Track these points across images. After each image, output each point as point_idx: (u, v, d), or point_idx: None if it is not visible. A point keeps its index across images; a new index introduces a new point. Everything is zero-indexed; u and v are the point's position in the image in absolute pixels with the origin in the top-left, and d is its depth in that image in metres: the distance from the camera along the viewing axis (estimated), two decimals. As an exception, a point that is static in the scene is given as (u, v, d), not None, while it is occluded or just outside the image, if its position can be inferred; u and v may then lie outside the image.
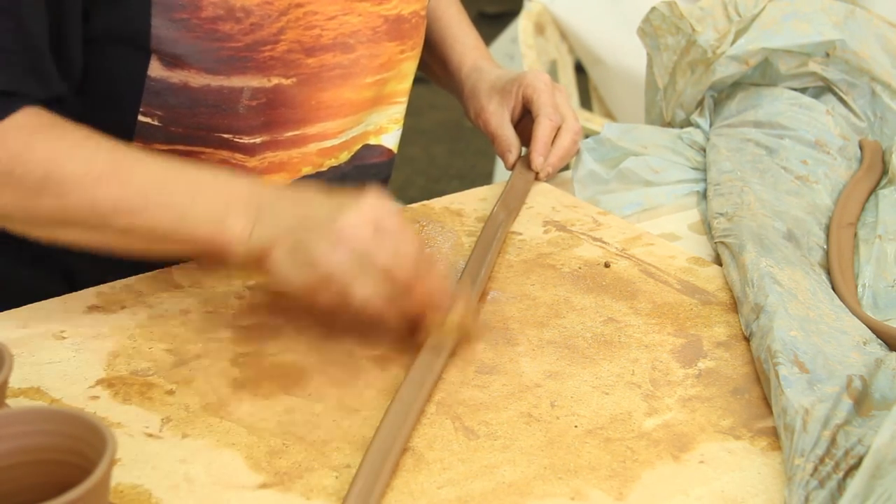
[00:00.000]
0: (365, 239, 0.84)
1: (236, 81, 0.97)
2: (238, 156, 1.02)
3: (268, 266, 0.86)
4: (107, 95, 0.97)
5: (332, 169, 1.10)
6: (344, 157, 1.11)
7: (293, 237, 0.86)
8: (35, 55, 0.90)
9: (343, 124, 1.08)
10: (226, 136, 1.00)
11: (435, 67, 1.34)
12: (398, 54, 1.11)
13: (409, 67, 1.14)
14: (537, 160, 1.19)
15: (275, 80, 1.00)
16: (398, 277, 0.84)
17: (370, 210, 0.86)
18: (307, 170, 1.08)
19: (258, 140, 1.02)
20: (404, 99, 1.16)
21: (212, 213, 0.88)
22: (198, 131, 0.99)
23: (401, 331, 0.88)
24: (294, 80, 1.01)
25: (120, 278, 0.99)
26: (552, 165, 1.20)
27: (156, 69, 0.95)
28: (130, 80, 0.96)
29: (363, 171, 1.14)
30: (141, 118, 0.97)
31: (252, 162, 1.03)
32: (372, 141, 1.14)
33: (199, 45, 0.94)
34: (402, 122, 1.18)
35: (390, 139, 1.17)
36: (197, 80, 0.96)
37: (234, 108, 0.99)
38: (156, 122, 0.98)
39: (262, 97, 1.00)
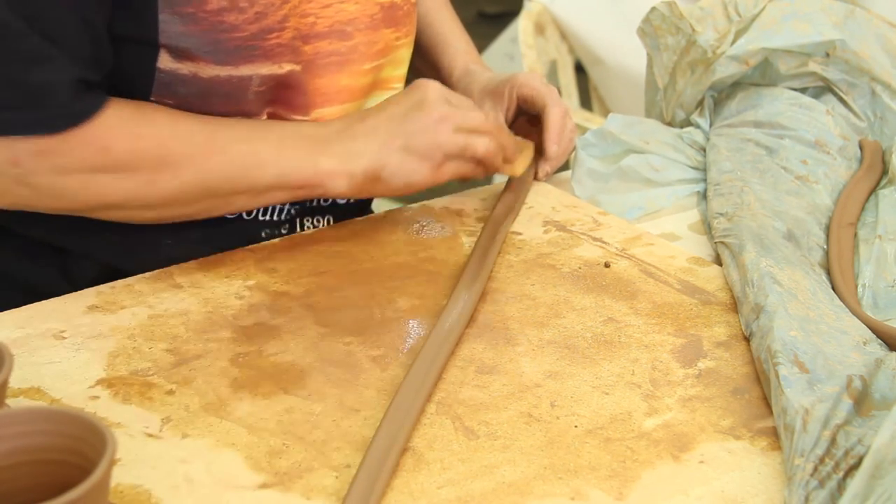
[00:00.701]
0: (450, 111, 1.01)
1: (245, 70, 0.99)
2: None
3: (385, 181, 1.00)
4: (118, 86, 0.97)
5: None
6: None
7: (394, 144, 1.00)
8: (98, 46, 0.93)
9: (341, 111, 1.09)
10: None
11: (426, 72, 1.34)
12: (394, 41, 1.12)
13: (405, 54, 1.15)
14: (552, 148, 1.19)
15: (287, 67, 1.02)
16: (486, 129, 1.03)
17: (432, 91, 1.02)
18: None
19: None
20: (400, 85, 1.17)
21: (303, 160, 0.99)
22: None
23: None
24: (297, 67, 1.03)
25: (115, 273, 0.99)
26: (551, 165, 1.19)
27: (165, 61, 0.96)
28: (140, 72, 0.97)
29: None
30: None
31: None
32: None
33: (207, 37, 0.95)
34: None
35: None
36: (206, 70, 0.97)
37: (244, 96, 1.01)
38: None
39: (271, 83, 1.02)
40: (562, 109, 1.20)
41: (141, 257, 1.02)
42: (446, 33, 1.32)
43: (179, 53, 0.96)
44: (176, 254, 1.02)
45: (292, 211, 1.10)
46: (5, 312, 0.92)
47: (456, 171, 1.03)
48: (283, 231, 1.11)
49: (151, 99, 0.98)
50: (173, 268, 1.00)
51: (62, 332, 0.89)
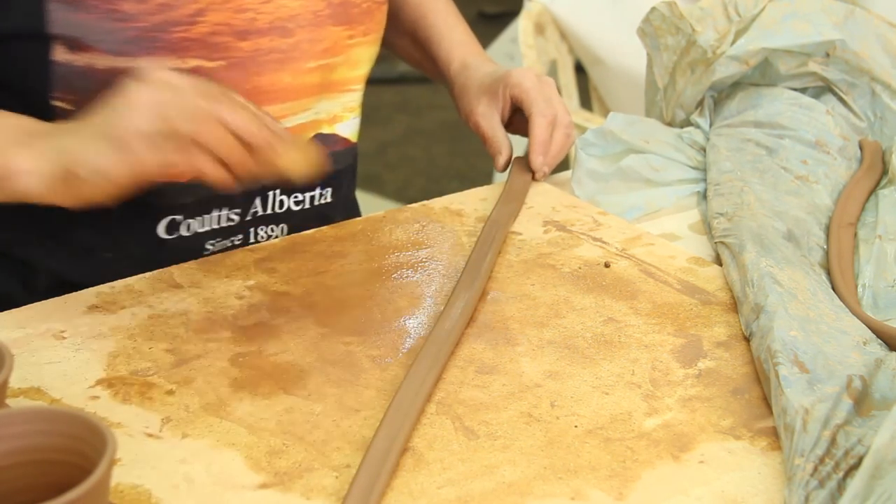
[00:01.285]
0: (165, 96, 0.82)
1: (143, 63, 0.95)
2: None
3: (83, 179, 0.82)
4: (14, 82, 0.95)
5: None
6: None
7: (93, 136, 0.82)
8: None
9: (283, 109, 1.07)
10: None
11: (426, 65, 1.33)
12: (346, 39, 1.09)
13: (362, 54, 1.12)
14: (537, 160, 1.18)
15: (192, 63, 0.98)
16: (225, 116, 0.82)
17: (152, 77, 0.83)
18: None
19: None
20: (359, 86, 1.15)
21: None
22: None
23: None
24: (222, 63, 1.00)
25: (65, 285, 0.98)
26: (549, 165, 1.19)
27: (60, 53, 0.94)
28: (35, 66, 0.95)
29: None
30: (55, 103, 0.96)
31: None
32: (325, 130, 1.13)
33: (100, 25, 0.93)
34: (357, 110, 1.16)
35: (345, 128, 1.15)
36: (101, 62, 0.95)
37: None
38: (70, 108, 0.96)
39: None
40: (547, 119, 1.18)
41: (82, 270, 1.02)
42: (440, 25, 1.30)
43: (73, 44, 0.93)
44: (118, 267, 1.00)
45: (233, 217, 1.08)
46: (5, 312, 0.92)
47: (174, 160, 0.82)
48: (237, 241, 1.10)
49: (53, 96, 0.95)
50: (173, 268, 1.00)
51: (62, 332, 0.89)
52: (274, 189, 1.10)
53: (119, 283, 0.97)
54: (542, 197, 1.17)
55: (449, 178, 3.66)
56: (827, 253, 1.04)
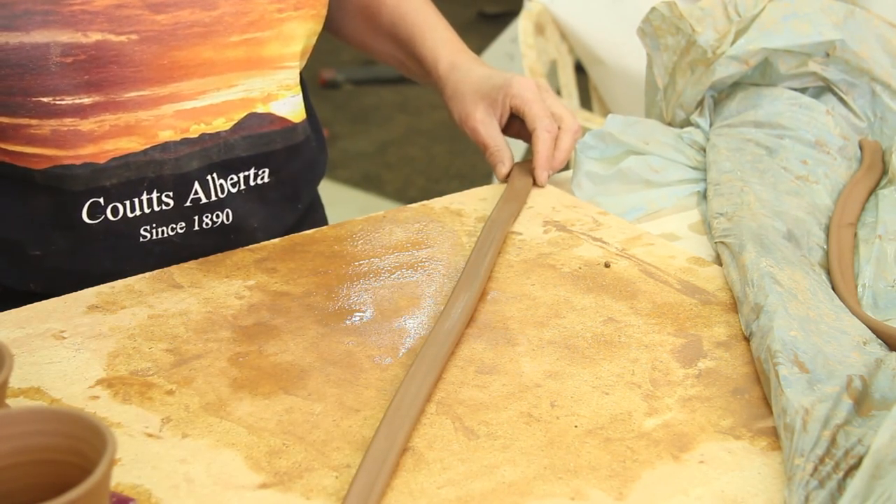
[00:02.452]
0: None
1: (38, 37, 0.93)
2: (67, 120, 0.98)
3: None
4: None
5: (212, 136, 1.06)
6: (220, 123, 1.06)
7: None
8: None
9: (203, 85, 1.03)
10: (44, 99, 0.97)
11: (411, 65, 1.30)
12: (275, 13, 1.06)
13: (296, 29, 1.09)
14: (542, 176, 1.17)
15: (95, 37, 0.96)
16: None
17: None
18: (167, 134, 1.03)
19: (86, 100, 0.98)
20: (295, 63, 1.11)
21: None
22: (12, 97, 0.96)
23: None
24: (133, 36, 0.97)
25: (41, 283, 0.98)
26: (555, 169, 1.19)
27: None
28: None
29: (254, 141, 1.09)
30: None
31: (86, 125, 0.99)
32: (259, 109, 1.09)
33: None
34: (295, 89, 1.12)
35: (282, 106, 1.11)
36: None
37: (44, 67, 0.94)
38: None
39: (79, 53, 0.96)
40: (551, 134, 1.17)
41: (16, 273, 1.03)
42: (422, 24, 1.27)
43: None
44: (50, 265, 1.00)
45: (167, 201, 1.05)
46: (5, 312, 0.92)
47: None
48: (180, 230, 1.07)
49: None
50: (173, 268, 1.00)
51: (62, 332, 0.89)
52: (210, 172, 1.07)
53: (119, 283, 0.97)
54: (542, 197, 1.17)
55: (449, 178, 3.66)
56: (827, 253, 1.04)
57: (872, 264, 0.99)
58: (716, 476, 0.74)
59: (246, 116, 1.08)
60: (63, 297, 0.95)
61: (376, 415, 0.79)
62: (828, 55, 1.26)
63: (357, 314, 0.93)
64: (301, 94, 1.13)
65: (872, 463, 0.68)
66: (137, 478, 0.73)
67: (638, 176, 1.18)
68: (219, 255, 1.03)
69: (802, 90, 1.27)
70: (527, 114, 1.18)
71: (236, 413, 0.80)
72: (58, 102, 0.97)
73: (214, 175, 1.07)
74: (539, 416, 0.80)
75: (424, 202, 1.16)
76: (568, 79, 2.32)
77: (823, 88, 1.28)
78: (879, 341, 0.88)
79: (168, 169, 1.04)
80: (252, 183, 1.10)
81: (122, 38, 0.97)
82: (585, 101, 2.42)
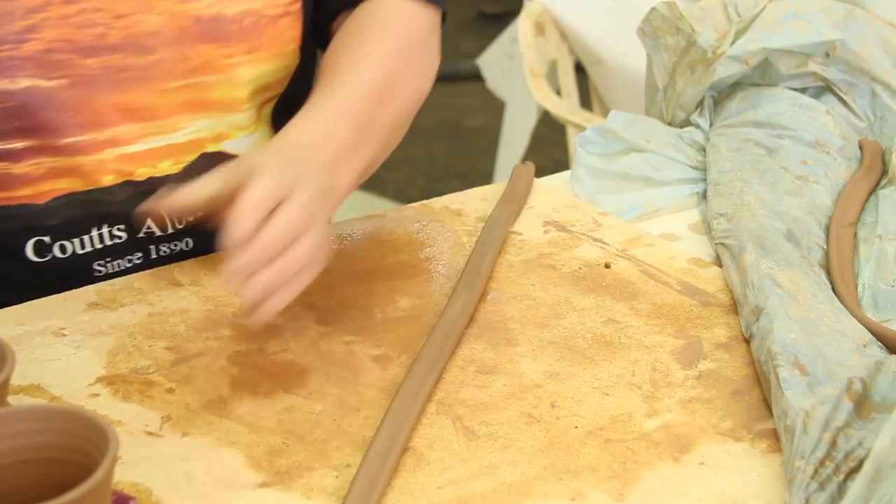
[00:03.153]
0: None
1: None
2: (1, 163, 0.96)
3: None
4: None
5: (160, 179, 1.01)
6: (167, 166, 1.01)
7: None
8: None
9: (144, 129, 0.99)
10: None
11: None
12: (222, 58, 1.00)
13: (248, 73, 1.02)
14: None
15: (24, 83, 0.92)
16: None
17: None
18: (110, 178, 0.99)
19: (19, 145, 0.95)
20: (247, 106, 1.04)
21: None
22: None
23: None
24: (63, 81, 0.94)
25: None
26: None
27: None
28: None
29: None
30: None
31: (20, 168, 0.96)
32: (210, 148, 1.04)
33: None
34: (250, 128, 1.06)
35: (236, 145, 1.05)
36: None
37: None
38: None
39: (7, 100, 0.92)
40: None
41: None
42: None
43: None
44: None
45: (119, 234, 1.01)
46: (5, 309, 0.92)
47: None
48: (136, 261, 1.03)
49: None
50: (173, 266, 1.00)
51: (62, 329, 0.89)
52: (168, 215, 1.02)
53: (119, 281, 0.97)
54: (542, 197, 1.17)
55: (449, 178, 3.66)
56: (827, 253, 1.04)
57: (872, 264, 0.99)
58: (716, 478, 0.74)
59: (198, 158, 1.03)
60: (63, 294, 0.95)
61: (377, 414, 0.79)
62: (828, 55, 1.26)
63: (357, 313, 0.93)
64: (260, 131, 1.07)
65: (873, 466, 0.68)
66: (137, 476, 0.73)
67: (639, 173, 1.18)
68: (219, 252, 1.03)
69: (802, 90, 1.27)
70: None
71: (236, 412, 0.80)
72: None
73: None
74: (539, 416, 0.80)
75: (424, 202, 1.16)
76: (568, 79, 2.33)
77: (823, 88, 1.28)
78: (879, 344, 0.88)
79: (115, 208, 1.01)
80: None
81: (53, 83, 0.93)
82: (585, 101, 2.42)
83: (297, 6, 1.04)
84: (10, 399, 0.78)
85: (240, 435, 0.77)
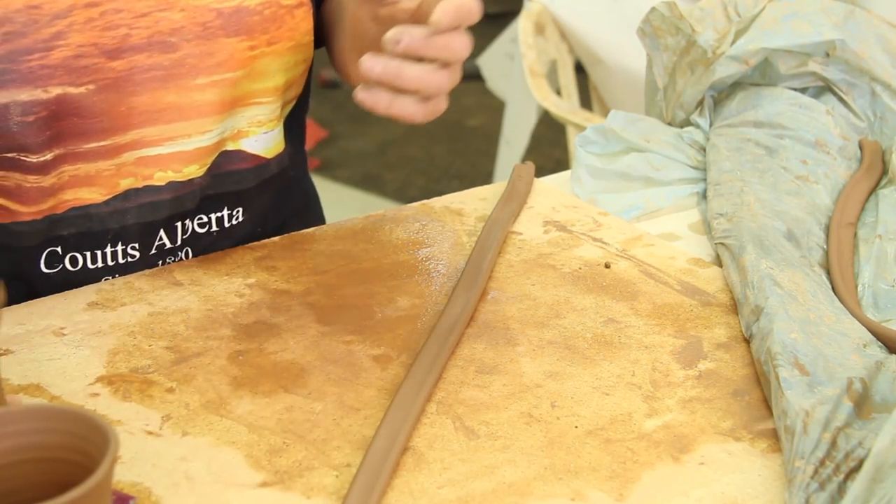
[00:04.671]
0: None
1: None
2: (31, 177, 0.94)
3: None
4: None
5: (183, 184, 1.01)
6: (193, 170, 1.01)
7: None
8: None
9: (170, 130, 0.98)
10: (8, 155, 0.92)
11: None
12: (246, 51, 0.99)
13: (270, 65, 1.02)
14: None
15: (55, 91, 0.91)
16: None
17: None
18: (129, 182, 0.99)
19: (48, 156, 0.94)
20: (270, 98, 1.04)
21: None
22: None
23: None
24: (91, 87, 0.93)
25: None
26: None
27: None
28: None
29: (220, 180, 1.04)
30: None
31: (48, 180, 0.95)
32: (229, 147, 1.04)
33: None
34: (269, 125, 1.06)
35: (253, 144, 1.05)
36: None
37: (5, 128, 0.90)
38: None
39: (41, 111, 0.91)
40: None
41: None
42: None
43: None
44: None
45: (133, 253, 1.01)
46: (4, 309, 0.92)
47: None
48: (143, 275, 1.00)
49: None
50: (173, 265, 1.00)
51: (62, 328, 0.89)
52: (183, 218, 1.02)
53: (119, 281, 0.97)
54: (542, 197, 1.17)
55: (449, 178, 3.66)
56: (827, 253, 1.04)
57: (872, 264, 1.00)
58: (716, 478, 0.74)
59: (218, 156, 1.03)
60: (63, 293, 0.95)
61: (377, 414, 0.79)
62: (828, 55, 1.26)
63: (357, 313, 0.93)
64: (277, 129, 1.07)
65: (873, 466, 0.68)
66: (137, 476, 0.73)
67: (639, 173, 1.18)
68: (218, 252, 1.03)
69: (802, 90, 1.27)
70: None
71: (236, 411, 0.80)
72: (24, 159, 0.93)
73: (186, 221, 1.03)
74: (539, 416, 0.80)
75: (424, 201, 1.16)
76: (568, 79, 2.33)
77: (823, 88, 1.28)
78: (879, 344, 0.88)
79: (131, 218, 0.99)
80: (226, 224, 1.06)
81: (81, 89, 0.92)
82: (585, 101, 2.42)
83: None
84: (9, 399, 0.79)
85: (240, 434, 0.77)
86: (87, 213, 0.98)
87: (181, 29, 0.96)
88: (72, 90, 0.92)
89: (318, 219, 1.26)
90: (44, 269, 0.99)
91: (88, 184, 0.97)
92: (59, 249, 0.99)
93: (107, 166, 0.97)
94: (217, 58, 0.98)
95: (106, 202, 0.99)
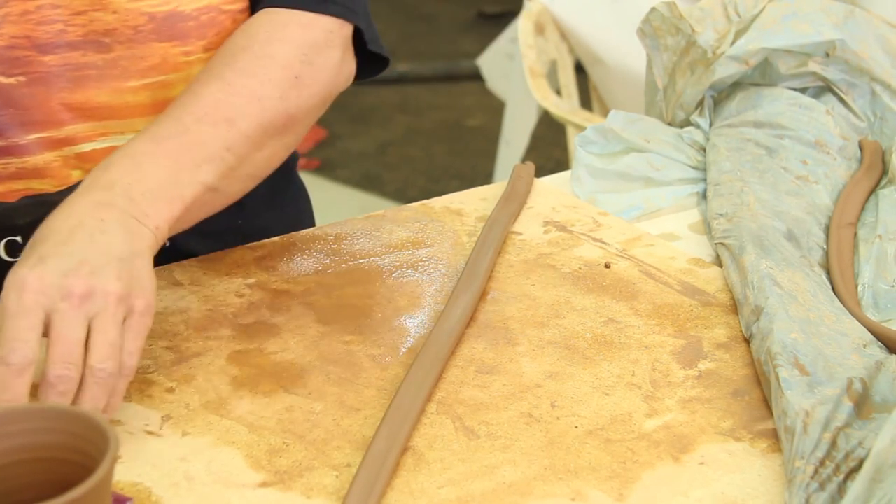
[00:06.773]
0: None
1: None
2: None
3: None
4: None
5: None
6: None
7: None
8: None
9: (104, 127, 0.97)
10: None
11: None
12: (179, 56, 0.98)
13: None
14: None
15: None
16: None
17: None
18: (79, 174, 0.98)
19: None
20: None
21: None
22: None
23: None
24: (21, 78, 0.93)
25: None
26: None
27: None
28: None
29: None
30: None
31: None
32: None
33: None
34: None
35: None
36: None
37: None
38: None
39: None
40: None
41: None
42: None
43: None
44: None
45: None
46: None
47: None
48: None
49: None
50: (173, 265, 1.00)
51: (62, 329, 0.89)
52: None
53: (119, 281, 0.97)
54: (542, 197, 1.17)
55: (449, 178, 3.66)
56: (827, 253, 1.04)
57: (872, 264, 0.99)
58: (716, 478, 0.74)
59: None
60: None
61: (377, 414, 0.79)
62: (828, 55, 1.26)
63: (357, 313, 0.93)
64: None
65: (873, 466, 0.68)
66: (137, 475, 0.73)
67: (639, 173, 1.18)
68: (218, 252, 1.03)
69: (802, 90, 1.27)
70: None
71: (236, 411, 0.80)
72: None
73: None
74: (539, 416, 0.80)
75: (424, 202, 1.16)
76: (568, 79, 2.33)
77: (823, 88, 1.28)
78: (879, 344, 0.88)
79: None
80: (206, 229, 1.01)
81: (12, 80, 0.92)
82: (585, 101, 2.42)
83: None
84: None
85: (240, 434, 0.77)
86: (41, 201, 0.98)
87: (114, 31, 0.95)
88: (2, 80, 0.92)
89: (303, 208, 1.24)
90: (5, 258, 0.99)
91: (38, 175, 0.97)
92: (18, 238, 0.99)
93: (53, 158, 0.97)
94: (149, 62, 0.97)
95: (59, 192, 0.98)
